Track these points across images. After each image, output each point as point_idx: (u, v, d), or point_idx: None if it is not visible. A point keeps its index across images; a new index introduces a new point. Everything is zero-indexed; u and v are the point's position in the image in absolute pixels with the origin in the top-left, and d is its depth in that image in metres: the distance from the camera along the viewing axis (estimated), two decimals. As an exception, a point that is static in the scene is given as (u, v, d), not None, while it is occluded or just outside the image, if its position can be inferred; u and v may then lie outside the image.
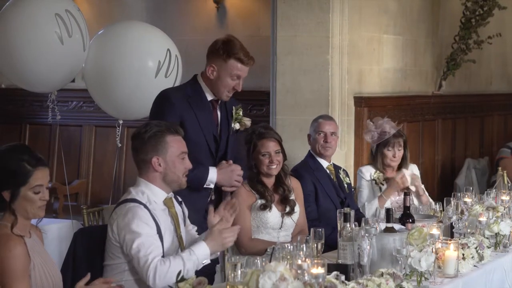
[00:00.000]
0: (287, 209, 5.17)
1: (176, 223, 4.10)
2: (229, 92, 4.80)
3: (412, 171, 6.24)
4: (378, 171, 6.07)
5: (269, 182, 5.18)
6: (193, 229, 4.35)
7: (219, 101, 4.87)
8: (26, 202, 3.46)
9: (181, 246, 4.10)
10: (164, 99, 4.75)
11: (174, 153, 4.03)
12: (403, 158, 6.12)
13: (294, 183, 5.32)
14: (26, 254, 3.39)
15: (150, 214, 3.92)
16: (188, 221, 4.32)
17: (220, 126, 4.87)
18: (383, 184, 6.03)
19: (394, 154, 6.05)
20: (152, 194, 4.02)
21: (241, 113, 4.89)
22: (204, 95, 4.79)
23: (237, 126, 4.86)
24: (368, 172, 6.08)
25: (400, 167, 6.13)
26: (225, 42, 4.78)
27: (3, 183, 3.44)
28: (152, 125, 4.06)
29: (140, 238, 3.83)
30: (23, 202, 3.46)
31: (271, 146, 5.11)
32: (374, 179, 6.05)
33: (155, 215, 3.95)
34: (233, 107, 4.90)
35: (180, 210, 4.20)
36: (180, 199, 4.27)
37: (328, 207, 5.57)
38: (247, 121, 4.90)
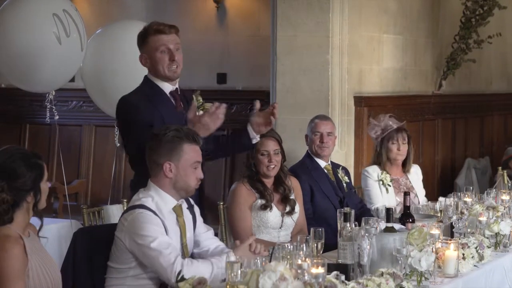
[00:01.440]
0: (287, 208, 5.17)
1: (183, 232, 4.07)
2: (170, 67, 4.58)
3: (416, 173, 6.22)
4: (384, 172, 6.04)
5: (268, 182, 5.18)
6: (206, 232, 4.26)
7: (179, 92, 4.73)
8: (43, 195, 3.50)
9: (185, 254, 4.07)
10: (129, 106, 4.57)
11: (188, 161, 4.00)
12: (407, 156, 6.11)
13: (294, 183, 5.32)
14: (22, 255, 3.38)
15: (160, 220, 3.91)
16: (200, 225, 4.26)
17: (185, 117, 4.69)
18: (390, 186, 6.00)
19: (399, 147, 6.03)
20: (162, 200, 3.99)
21: (201, 99, 4.77)
22: (160, 89, 4.64)
23: (201, 113, 4.76)
24: (375, 172, 6.03)
25: (404, 165, 6.11)
26: (143, 29, 4.65)
27: (27, 188, 3.43)
28: (171, 129, 4.02)
29: (157, 240, 3.80)
30: (42, 197, 3.49)
31: (271, 145, 5.11)
32: (381, 180, 6.01)
33: (164, 222, 3.93)
34: (193, 96, 4.78)
35: (190, 217, 4.16)
36: (192, 202, 4.23)
37: (326, 206, 5.57)
38: (210, 106, 4.81)
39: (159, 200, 3.98)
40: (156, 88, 4.62)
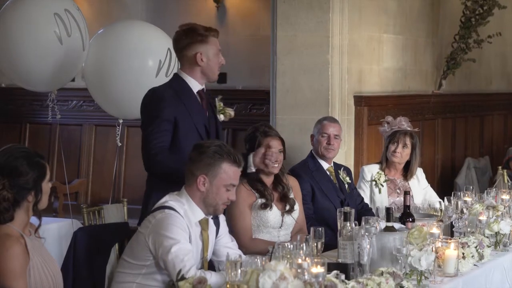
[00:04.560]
0: (287, 207, 5.18)
1: (205, 247, 4.08)
2: (219, 70, 4.80)
3: (418, 178, 6.18)
4: (380, 171, 6.03)
5: (268, 181, 5.19)
6: (229, 243, 4.28)
7: (205, 91, 4.84)
8: (44, 195, 3.50)
9: (205, 268, 4.06)
10: (155, 99, 4.69)
11: (223, 180, 4.00)
12: (409, 163, 6.06)
13: (292, 182, 5.33)
14: (23, 253, 3.39)
15: (186, 225, 3.92)
16: (225, 236, 4.27)
17: (208, 116, 4.85)
18: (382, 186, 6.00)
19: (396, 149, 5.99)
20: (191, 210, 3.99)
21: (222, 104, 4.87)
22: (189, 87, 4.76)
23: (221, 117, 4.85)
24: (370, 172, 6.04)
25: (406, 170, 6.08)
26: (190, 29, 4.75)
27: (28, 187, 3.44)
28: (215, 144, 4.03)
29: (178, 245, 3.80)
30: (43, 197, 3.49)
31: (276, 145, 5.13)
32: (374, 180, 6.02)
33: (190, 231, 3.94)
34: (216, 99, 4.88)
35: (214, 228, 4.15)
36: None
37: (327, 207, 5.56)
38: (231, 111, 4.90)
39: (188, 210, 3.99)
40: (185, 85, 4.74)
